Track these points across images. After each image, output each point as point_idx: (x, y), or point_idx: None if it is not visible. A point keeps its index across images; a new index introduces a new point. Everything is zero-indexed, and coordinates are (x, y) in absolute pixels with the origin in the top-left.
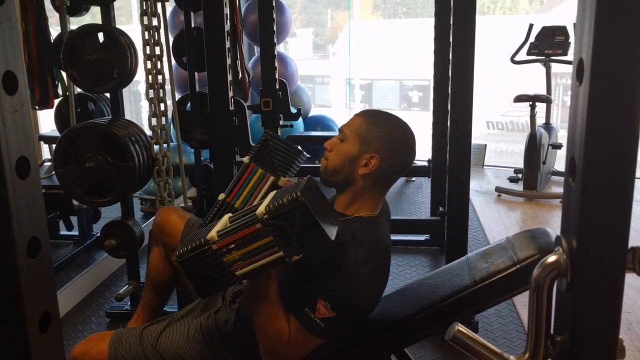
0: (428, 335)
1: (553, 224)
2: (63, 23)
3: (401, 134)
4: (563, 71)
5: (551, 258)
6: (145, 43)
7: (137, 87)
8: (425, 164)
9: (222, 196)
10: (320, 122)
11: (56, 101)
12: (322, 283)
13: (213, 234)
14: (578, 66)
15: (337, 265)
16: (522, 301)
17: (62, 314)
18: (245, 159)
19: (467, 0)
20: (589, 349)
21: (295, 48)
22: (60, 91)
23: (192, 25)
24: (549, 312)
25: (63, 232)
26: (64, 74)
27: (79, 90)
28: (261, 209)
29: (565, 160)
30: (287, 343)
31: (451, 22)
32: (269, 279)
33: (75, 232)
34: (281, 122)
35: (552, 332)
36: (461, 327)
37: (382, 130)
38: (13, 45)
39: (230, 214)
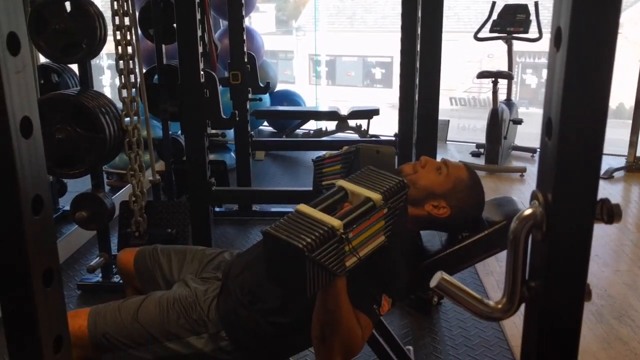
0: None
1: (513, 196)
2: None
3: (477, 214)
4: (522, 50)
5: (528, 211)
6: (115, 13)
7: (99, 61)
8: (392, 138)
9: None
10: (287, 97)
11: None
12: (388, 280)
13: (336, 222)
14: (556, 34)
15: (393, 264)
16: (483, 269)
17: None
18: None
19: None
20: (561, 292)
21: (258, 23)
22: None
23: None
24: (525, 261)
25: None
26: None
27: (42, 61)
28: (376, 195)
29: (542, 120)
30: (361, 339)
31: None
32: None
33: None
34: (250, 96)
35: (526, 279)
36: (445, 275)
37: (471, 198)
38: (15, 6)
39: (303, 204)
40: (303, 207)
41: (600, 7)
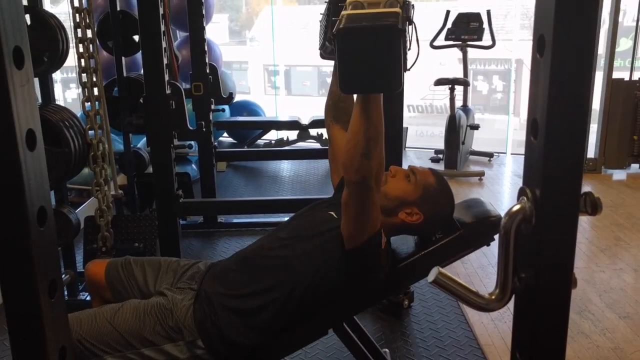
0: (376, 303)
1: None
2: None
3: (449, 215)
4: (473, 57)
5: (516, 207)
6: (77, 26)
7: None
8: None
9: None
10: (246, 107)
11: None
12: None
13: (396, 9)
14: (539, 41)
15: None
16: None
17: None
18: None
19: None
20: (549, 281)
21: (212, 34)
22: None
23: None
24: (516, 254)
25: None
26: None
27: None
28: None
29: (527, 121)
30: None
31: None
32: None
33: None
34: (213, 107)
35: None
36: (442, 270)
37: (441, 202)
38: (19, 21)
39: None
40: (348, 12)
41: (580, 16)
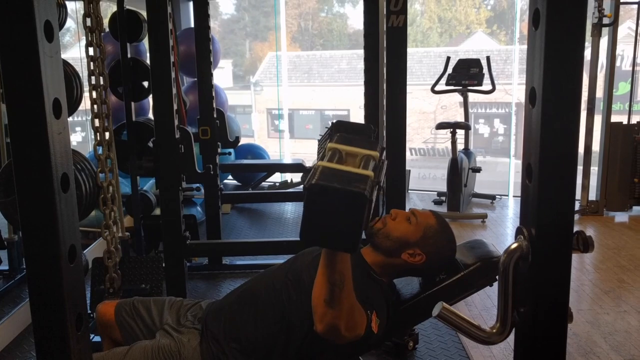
0: (380, 345)
1: None
2: None
3: (451, 256)
4: (474, 101)
5: (514, 245)
6: (91, 73)
7: None
8: None
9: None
10: (251, 151)
11: None
12: (374, 303)
13: (369, 172)
14: (530, 93)
15: (378, 293)
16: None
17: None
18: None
19: (399, 35)
20: (547, 315)
21: (216, 78)
22: None
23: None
24: (515, 289)
25: None
26: None
27: None
28: (374, 152)
29: (522, 166)
30: (358, 324)
31: (384, 55)
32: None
33: (4, 267)
34: (219, 150)
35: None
36: (446, 305)
37: (443, 242)
38: (59, 76)
39: (321, 161)
40: (324, 164)
41: (566, 70)
